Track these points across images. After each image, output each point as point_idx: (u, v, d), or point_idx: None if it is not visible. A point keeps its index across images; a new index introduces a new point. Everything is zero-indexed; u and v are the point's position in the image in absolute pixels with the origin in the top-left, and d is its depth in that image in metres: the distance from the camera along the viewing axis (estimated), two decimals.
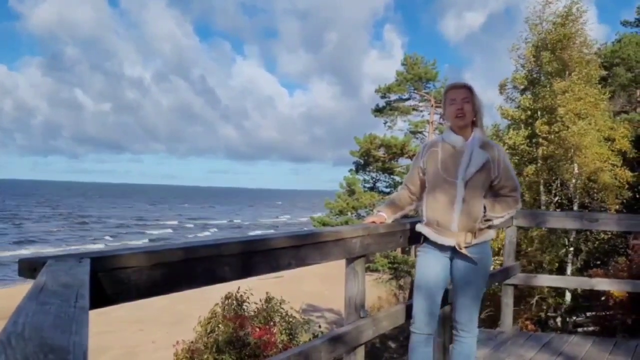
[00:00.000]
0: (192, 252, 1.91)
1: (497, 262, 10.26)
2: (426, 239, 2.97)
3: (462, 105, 2.87)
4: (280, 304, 9.00)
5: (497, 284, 5.60)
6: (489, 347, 4.37)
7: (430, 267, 2.97)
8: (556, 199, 15.87)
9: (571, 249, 15.01)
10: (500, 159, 2.91)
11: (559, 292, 14.23)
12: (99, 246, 41.49)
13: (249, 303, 8.84)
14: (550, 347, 4.45)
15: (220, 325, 8.27)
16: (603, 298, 11.87)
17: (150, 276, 1.75)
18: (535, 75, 16.56)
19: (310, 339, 7.82)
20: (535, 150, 15.80)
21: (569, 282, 7.96)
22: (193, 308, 12.39)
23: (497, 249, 11.48)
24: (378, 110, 28.09)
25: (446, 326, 3.51)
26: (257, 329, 8.21)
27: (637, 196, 16.19)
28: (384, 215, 3.08)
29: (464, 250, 2.87)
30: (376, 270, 23.44)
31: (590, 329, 13.50)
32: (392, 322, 3.19)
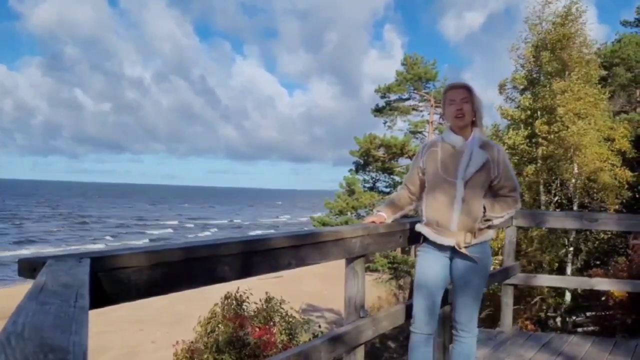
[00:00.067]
0: (191, 252, 1.91)
1: (497, 262, 10.26)
2: (426, 239, 2.97)
3: (461, 106, 2.87)
4: (280, 304, 9.00)
5: (496, 283, 5.60)
6: (488, 347, 4.37)
7: (430, 267, 2.97)
8: (556, 198, 15.87)
9: (571, 249, 15.01)
10: (499, 159, 2.91)
11: (559, 292, 14.23)
12: (99, 246, 41.48)
13: (248, 303, 8.84)
14: (550, 347, 4.46)
15: (220, 325, 8.27)
16: (603, 298, 11.86)
17: (150, 276, 1.75)
18: (535, 75, 16.56)
19: (310, 339, 7.82)
20: (535, 150, 15.80)
21: (569, 282, 7.97)
22: (193, 308, 12.39)
23: (497, 249, 11.49)
24: (378, 110, 28.10)
25: (446, 326, 3.51)
26: (257, 329, 8.20)
27: (637, 196, 16.19)
28: (383, 215, 3.08)
29: (463, 250, 2.87)
30: (376, 270, 23.44)
31: (590, 328, 13.50)
32: (392, 322, 3.19)
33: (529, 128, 15.86)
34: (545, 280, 7.32)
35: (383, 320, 3.08)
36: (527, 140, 15.82)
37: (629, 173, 14.75)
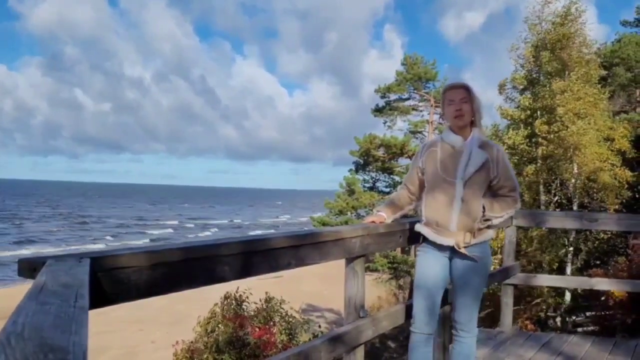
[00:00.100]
0: (191, 252, 1.91)
1: (497, 261, 10.26)
2: (425, 239, 2.97)
3: (460, 106, 2.87)
4: (280, 304, 8.99)
5: (496, 283, 5.60)
6: (488, 347, 4.37)
7: (430, 267, 2.97)
8: (556, 198, 15.87)
9: (571, 248, 15.01)
10: (499, 159, 2.91)
11: (559, 291, 14.23)
12: (99, 246, 41.47)
13: (248, 303, 8.84)
14: (550, 347, 4.46)
15: (220, 325, 8.26)
16: (603, 298, 11.86)
17: (150, 276, 1.75)
18: (534, 75, 16.56)
19: (310, 339, 7.82)
20: (534, 150, 15.80)
21: (569, 282, 7.96)
22: (192, 308, 12.39)
23: (496, 249, 11.49)
24: (378, 110, 28.10)
25: (446, 326, 3.51)
26: (257, 329, 8.20)
27: (637, 196, 16.19)
28: (383, 215, 3.08)
29: (463, 250, 2.87)
30: (376, 270, 23.44)
31: (590, 328, 13.50)
32: (392, 322, 3.19)
33: (529, 128, 15.87)
34: (545, 280, 7.32)
35: (383, 320, 3.08)
36: (527, 140, 15.82)
37: (628, 173, 14.75)
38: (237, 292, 8.82)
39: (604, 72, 16.82)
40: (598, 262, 15.42)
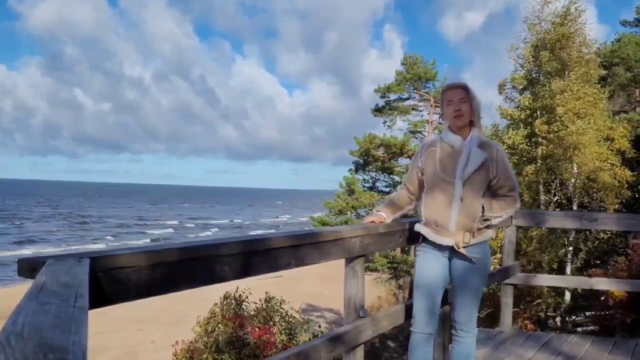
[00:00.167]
0: (191, 252, 1.91)
1: (497, 261, 10.27)
2: (425, 239, 2.97)
3: (459, 106, 2.87)
4: (280, 303, 8.99)
5: (496, 283, 5.61)
6: (488, 347, 4.37)
7: (430, 267, 2.97)
8: (555, 198, 15.87)
9: (570, 248, 15.00)
10: (498, 158, 2.90)
11: (559, 291, 14.23)
12: (99, 246, 41.45)
13: (248, 303, 8.83)
14: (550, 347, 4.46)
15: (219, 325, 8.26)
16: (602, 298, 11.87)
17: (149, 276, 1.75)
18: (534, 75, 16.56)
19: (309, 339, 7.82)
20: (534, 149, 15.80)
21: (569, 281, 7.96)
22: (192, 308, 12.38)
23: (496, 248, 11.49)
24: (377, 110, 28.08)
25: (446, 326, 3.51)
26: (257, 329, 8.20)
27: (637, 196, 16.20)
28: (383, 215, 3.08)
29: (462, 250, 2.87)
30: (375, 270, 23.43)
31: (590, 328, 13.50)
32: (392, 321, 3.19)
33: (529, 128, 15.87)
34: (545, 279, 7.32)
35: (383, 320, 3.08)
36: (527, 139, 15.82)
37: (628, 173, 14.75)
38: (236, 292, 8.82)
39: (603, 72, 16.83)
40: (598, 262, 15.43)
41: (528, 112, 16.00)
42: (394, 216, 3.12)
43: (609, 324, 11.70)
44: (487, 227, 2.95)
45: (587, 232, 14.86)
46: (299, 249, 2.46)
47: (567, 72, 15.12)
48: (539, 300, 14.15)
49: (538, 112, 15.67)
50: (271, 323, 8.57)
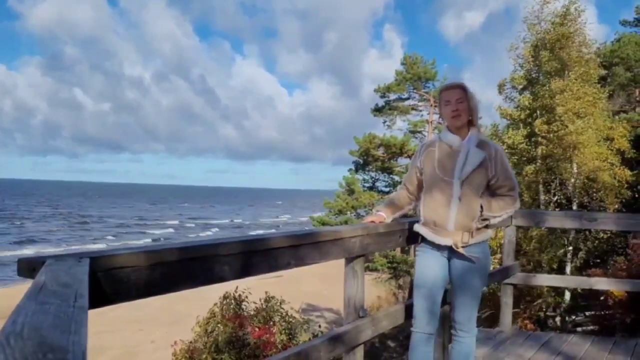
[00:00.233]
0: (191, 252, 1.91)
1: (497, 260, 10.27)
2: (424, 239, 2.97)
3: (456, 106, 2.88)
4: (280, 303, 8.99)
5: (496, 283, 5.61)
6: (488, 347, 4.37)
7: (429, 267, 2.97)
8: (555, 198, 15.87)
9: (570, 248, 15.01)
10: (497, 158, 2.90)
11: (558, 291, 14.23)
12: (99, 246, 41.43)
13: (247, 303, 8.83)
14: (550, 347, 4.46)
15: (219, 325, 8.25)
16: (602, 297, 11.86)
17: (149, 276, 1.75)
18: (534, 75, 16.56)
19: (309, 339, 7.82)
20: (534, 149, 15.80)
21: (568, 281, 7.96)
22: (192, 308, 12.38)
23: (496, 248, 11.49)
24: (377, 110, 28.08)
25: (445, 326, 3.51)
26: (257, 329, 8.19)
27: (636, 195, 16.19)
28: (383, 215, 3.09)
29: (461, 250, 2.87)
30: (375, 270, 23.43)
31: (590, 328, 13.50)
32: (392, 321, 3.20)
33: (528, 127, 15.87)
34: (545, 279, 7.31)
35: (382, 319, 3.09)
36: (527, 139, 15.82)
37: (628, 172, 14.75)
38: (236, 291, 8.81)
39: (603, 72, 16.82)
40: (597, 262, 15.43)
41: (528, 112, 16.00)
42: (393, 216, 3.13)
43: (608, 324, 11.69)
44: (486, 226, 2.95)
45: (587, 232, 14.86)
46: (298, 248, 2.46)
47: (566, 72, 15.12)
48: (539, 300, 14.15)
49: (538, 112, 15.67)
50: (271, 323, 8.57)
